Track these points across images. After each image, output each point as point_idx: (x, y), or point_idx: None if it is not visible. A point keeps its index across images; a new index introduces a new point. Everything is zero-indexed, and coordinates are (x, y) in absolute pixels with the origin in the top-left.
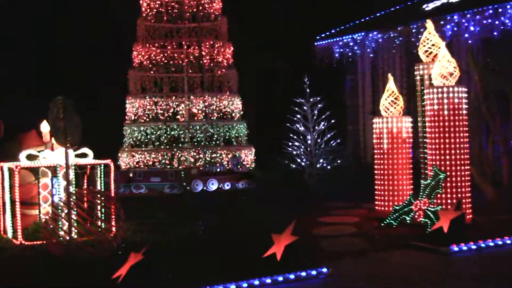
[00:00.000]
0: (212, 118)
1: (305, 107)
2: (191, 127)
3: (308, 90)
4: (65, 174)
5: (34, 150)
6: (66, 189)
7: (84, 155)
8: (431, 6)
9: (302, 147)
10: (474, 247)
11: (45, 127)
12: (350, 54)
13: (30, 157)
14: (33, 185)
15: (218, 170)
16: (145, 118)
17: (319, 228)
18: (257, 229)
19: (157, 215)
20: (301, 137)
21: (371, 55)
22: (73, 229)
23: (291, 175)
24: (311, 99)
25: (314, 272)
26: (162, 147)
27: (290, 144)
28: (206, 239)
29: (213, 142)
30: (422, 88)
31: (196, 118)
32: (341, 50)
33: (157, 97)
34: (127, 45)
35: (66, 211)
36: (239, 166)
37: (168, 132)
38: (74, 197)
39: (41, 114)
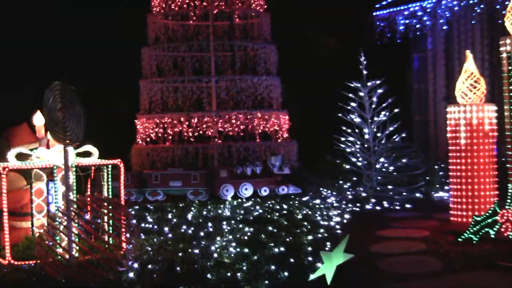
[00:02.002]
0: (246, 106)
1: (361, 93)
2: (219, 118)
3: (365, 72)
4: (64, 178)
5: (26, 148)
6: (65, 196)
7: (87, 154)
8: None
9: (358, 143)
10: None
11: (38, 119)
12: (418, 26)
13: (20, 157)
14: (24, 191)
15: (254, 171)
16: (162, 107)
17: (379, 244)
18: (301, 245)
19: (178, 227)
20: (357, 130)
21: (444, 28)
22: (74, 245)
23: (344, 178)
24: (369, 83)
25: None
26: (183, 143)
27: (342, 139)
28: (239, 256)
29: (247, 137)
30: (510, 68)
31: (225, 107)
32: (407, 21)
33: (177, 82)
34: (139, 16)
35: (65, 223)
36: (279, 167)
37: (190, 125)
38: (75, 206)
39: (34, 104)
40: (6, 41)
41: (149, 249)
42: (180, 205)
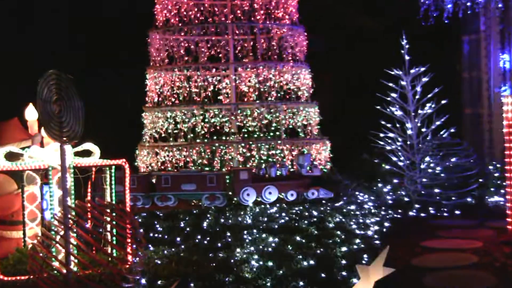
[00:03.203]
0: (270, 98)
1: (403, 82)
2: (239, 111)
3: (407, 58)
4: (60, 180)
5: (16, 146)
6: (62, 202)
7: (87, 153)
8: None
9: (400, 139)
10: None
11: (31, 113)
12: (468, 4)
13: (10, 157)
14: (14, 196)
15: (279, 173)
16: (173, 99)
17: (424, 257)
18: (334, 258)
19: (192, 238)
20: (398, 125)
21: (499, 5)
22: (72, 258)
23: (383, 180)
24: (412, 71)
25: None
26: (198, 140)
27: (381, 135)
28: (263, 270)
29: (271, 133)
30: None
31: (246, 100)
32: None
33: (190, 70)
34: None
35: (62, 232)
36: (309, 167)
37: (206, 120)
38: (74, 213)
39: (26, 96)
40: None
41: (159, 262)
42: (194, 211)
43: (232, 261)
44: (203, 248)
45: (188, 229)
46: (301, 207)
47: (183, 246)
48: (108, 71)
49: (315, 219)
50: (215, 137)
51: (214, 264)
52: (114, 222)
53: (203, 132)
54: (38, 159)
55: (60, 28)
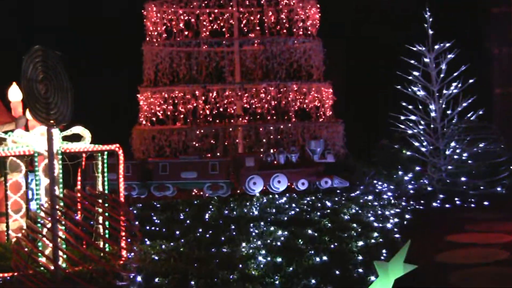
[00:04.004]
0: (279, 77)
1: (426, 59)
2: (244, 92)
3: (431, 32)
4: (47, 168)
5: None
6: (50, 191)
7: (77, 138)
8: None
9: (422, 122)
10: None
11: (14, 94)
12: None
13: None
14: None
15: (288, 159)
16: (171, 78)
17: (449, 252)
18: (349, 253)
19: (192, 231)
20: (420, 106)
21: None
22: (60, 253)
23: (404, 167)
24: (436, 46)
25: None
26: (199, 123)
27: (402, 118)
28: (271, 267)
29: (280, 115)
30: None
31: (252, 78)
32: None
33: (190, 46)
34: None
35: (49, 225)
36: (321, 154)
37: (208, 101)
38: (62, 204)
39: (9, 75)
40: None
41: (156, 258)
42: (195, 202)
43: (237, 257)
44: (205, 242)
45: (188, 221)
46: (313, 197)
47: (182, 241)
48: (100, 47)
49: (328, 211)
50: (218, 120)
51: (217, 261)
52: (106, 214)
53: (204, 114)
54: (22, 144)
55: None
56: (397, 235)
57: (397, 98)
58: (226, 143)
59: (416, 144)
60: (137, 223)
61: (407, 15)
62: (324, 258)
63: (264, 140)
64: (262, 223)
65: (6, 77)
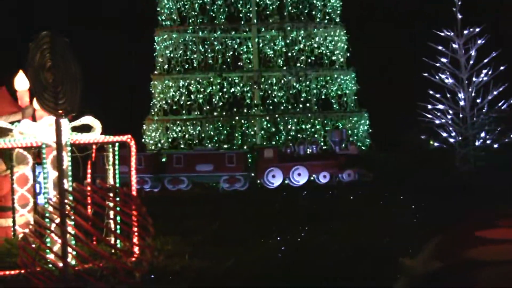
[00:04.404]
0: (299, 65)
1: (454, 45)
2: (263, 80)
3: (459, 17)
4: (55, 160)
5: (4, 120)
6: (58, 185)
7: (87, 129)
8: None
9: (450, 112)
10: None
11: (21, 82)
12: None
13: None
14: (2, 179)
15: (309, 151)
16: (186, 66)
17: (478, 249)
18: (373, 250)
19: (207, 227)
20: (448, 95)
21: None
22: (69, 250)
23: (431, 159)
24: (465, 31)
25: None
26: (215, 114)
27: (429, 107)
28: (289, 266)
29: (301, 105)
30: None
31: (271, 65)
32: None
33: (205, 32)
34: None
35: (57, 220)
36: (344, 145)
37: (224, 89)
38: (71, 198)
39: (16, 62)
40: None
41: (170, 255)
42: (211, 196)
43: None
44: (223, 240)
45: (204, 217)
46: (335, 191)
47: (198, 237)
48: (112, 34)
49: (350, 205)
50: (235, 110)
51: (235, 259)
52: (118, 209)
53: (221, 103)
54: (29, 135)
55: None
56: (422, 231)
57: (424, 86)
58: (243, 134)
59: (444, 134)
60: (150, 218)
61: None
62: (347, 255)
63: (284, 131)
64: (281, 218)
65: (13, 65)
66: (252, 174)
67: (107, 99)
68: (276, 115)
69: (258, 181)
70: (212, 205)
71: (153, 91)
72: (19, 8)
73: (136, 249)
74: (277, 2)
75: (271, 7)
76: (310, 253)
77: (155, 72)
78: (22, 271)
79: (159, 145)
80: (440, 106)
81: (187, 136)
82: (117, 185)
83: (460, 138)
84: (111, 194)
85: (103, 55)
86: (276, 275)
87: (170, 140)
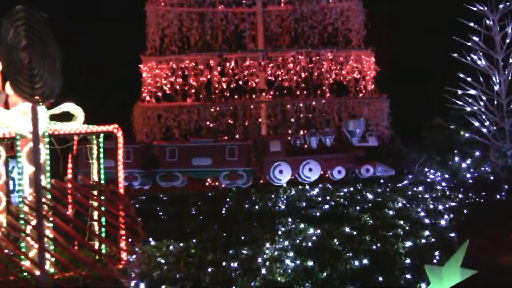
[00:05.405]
0: (310, 43)
1: (488, 22)
2: (269, 61)
3: None
4: (31, 153)
5: None
6: (35, 182)
7: (67, 117)
8: None
9: (483, 98)
10: None
11: None
12: None
13: None
14: None
15: (322, 143)
16: (181, 44)
17: None
18: (395, 255)
19: (206, 230)
20: (481, 79)
21: None
22: (47, 256)
23: (462, 152)
24: (501, 5)
25: None
26: (214, 99)
27: (459, 92)
28: (300, 272)
29: (312, 90)
30: None
31: (277, 44)
32: None
33: (203, 5)
34: None
35: (34, 222)
36: (362, 136)
37: (225, 72)
38: (50, 196)
39: None
40: None
41: (162, 261)
42: (209, 194)
43: (259, 260)
44: (222, 242)
45: (201, 217)
46: (351, 188)
47: (194, 240)
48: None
49: (369, 205)
50: (236, 96)
51: (235, 264)
52: (102, 209)
53: (220, 88)
54: (1, 124)
55: None
56: (452, 234)
57: (453, 69)
58: (246, 123)
59: (476, 124)
60: (139, 219)
61: None
62: (365, 261)
63: (293, 120)
64: (290, 220)
65: None
66: (257, 169)
67: (91, 83)
68: (284, 102)
69: (263, 177)
70: (210, 205)
71: (143, 74)
72: None
73: (123, 255)
74: None
75: None
76: (323, 258)
77: (146, 52)
78: None
79: (150, 136)
80: (472, 91)
81: (182, 125)
82: (102, 181)
83: (494, 128)
84: (95, 192)
85: (84, 30)
86: (284, 282)
87: (163, 130)
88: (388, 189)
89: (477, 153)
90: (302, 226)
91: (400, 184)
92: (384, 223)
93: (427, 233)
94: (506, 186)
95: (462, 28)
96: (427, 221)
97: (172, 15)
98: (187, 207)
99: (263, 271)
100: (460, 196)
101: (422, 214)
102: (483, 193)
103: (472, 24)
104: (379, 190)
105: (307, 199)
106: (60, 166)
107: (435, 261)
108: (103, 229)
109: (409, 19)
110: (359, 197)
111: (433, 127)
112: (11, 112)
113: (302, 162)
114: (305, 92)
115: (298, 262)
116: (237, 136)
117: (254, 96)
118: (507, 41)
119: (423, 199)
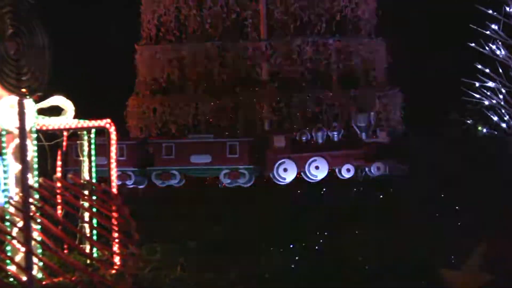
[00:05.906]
0: (317, 32)
1: (508, 8)
2: (272, 52)
3: None
4: (18, 150)
5: None
6: (21, 180)
7: (56, 111)
8: None
9: (503, 90)
10: None
11: None
12: None
13: None
14: None
15: (329, 138)
16: (178, 33)
17: None
18: (407, 259)
19: (204, 232)
20: (501, 70)
21: None
22: (35, 260)
23: (480, 149)
24: None
25: None
26: (213, 92)
27: (476, 85)
28: (305, 280)
29: (319, 81)
30: None
31: (281, 33)
32: None
33: None
34: None
35: (20, 223)
36: (372, 131)
37: (225, 62)
38: (37, 196)
39: None
40: None
41: (158, 266)
42: (208, 194)
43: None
44: (223, 248)
45: (199, 219)
46: (360, 188)
47: (192, 244)
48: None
49: (380, 205)
50: (238, 88)
51: (238, 271)
52: (94, 209)
53: (221, 80)
54: None
55: None
56: (469, 236)
57: (470, 60)
58: (248, 118)
59: (495, 118)
60: (133, 221)
61: None
62: (375, 266)
63: (298, 114)
64: (295, 222)
65: None
66: (259, 167)
67: (82, 74)
68: (289, 94)
69: (267, 175)
70: (209, 205)
71: (138, 65)
72: None
73: (116, 259)
74: None
75: None
76: (331, 265)
77: (141, 41)
78: None
79: (146, 130)
80: (490, 84)
81: (179, 120)
82: (94, 180)
83: None
84: (86, 192)
85: (75, 18)
86: None
87: (158, 125)
88: (399, 188)
89: (497, 151)
90: (308, 229)
91: (412, 183)
92: (395, 225)
93: (441, 235)
94: None
95: (480, 15)
96: (441, 222)
97: (169, 1)
98: (185, 207)
99: (266, 276)
100: (478, 195)
101: (436, 214)
102: (503, 192)
103: (490, 12)
104: (390, 190)
105: (314, 199)
106: (48, 164)
107: (450, 265)
108: (94, 231)
109: (423, 7)
110: (368, 196)
111: (449, 122)
112: None
113: (308, 159)
114: (311, 84)
115: (304, 268)
116: (238, 132)
117: (257, 88)
118: None
119: (438, 198)
